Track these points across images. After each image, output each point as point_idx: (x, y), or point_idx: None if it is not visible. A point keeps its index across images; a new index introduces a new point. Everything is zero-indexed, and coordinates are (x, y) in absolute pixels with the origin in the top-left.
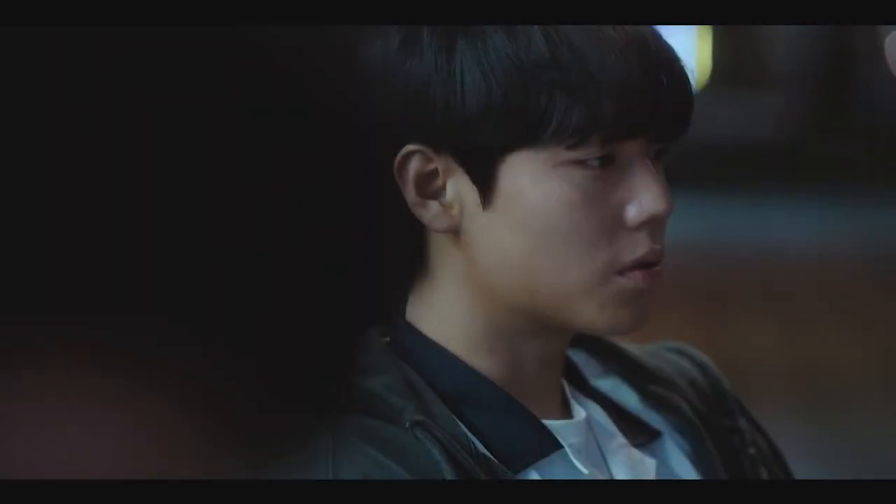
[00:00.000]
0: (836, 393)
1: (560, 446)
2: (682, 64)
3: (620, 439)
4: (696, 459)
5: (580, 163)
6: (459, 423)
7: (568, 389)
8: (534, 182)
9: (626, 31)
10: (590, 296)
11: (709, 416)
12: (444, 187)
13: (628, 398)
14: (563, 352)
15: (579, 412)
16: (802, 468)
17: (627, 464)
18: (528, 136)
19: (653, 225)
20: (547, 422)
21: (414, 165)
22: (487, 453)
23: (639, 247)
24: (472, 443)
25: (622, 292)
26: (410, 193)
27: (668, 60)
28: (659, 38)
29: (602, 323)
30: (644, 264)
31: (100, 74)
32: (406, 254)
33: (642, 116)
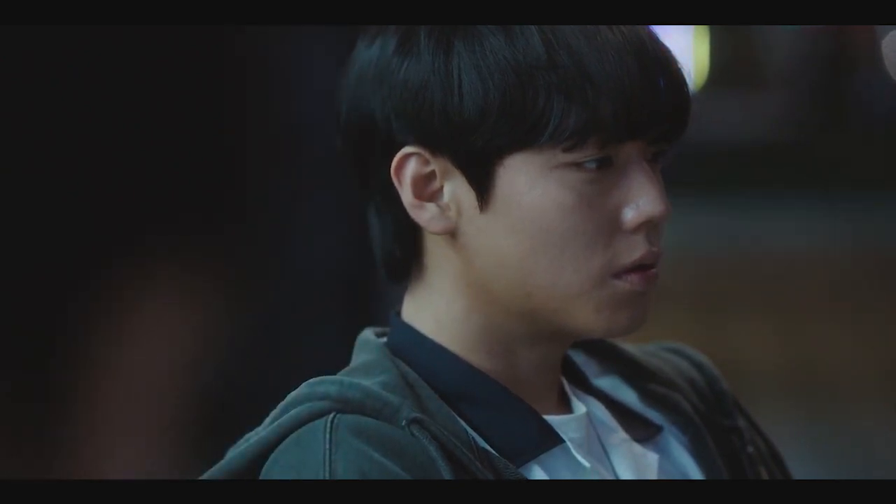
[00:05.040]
0: (835, 393)
1: (561, 440)
2: (679, 65)
3: (622, 434)
4: (697, 456)
5: (577, 165)
6: (459, 419)
7: (567, 387)
8: (530, 185)
9: (623, 33)
10: (586, 298)
11: (708, 415)
12: (441, 189)
13: (628, 396)
14: (561, 357)
15: (579, 407)
16: (802, 468)
17: (629, 458)
18: (526, 138)
19: (650, 227)
20: (547, 417)
21: (411, 167)
22: (489, 447)
23: (636, 249)
24: (472, 438)
25: (619, 295)
26: (408, 195)
27: (666, 62)
28: (656, 40)
29: (598, 325)
30: (641, 266)
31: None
32: (403, 255)
33: (640, 118)
